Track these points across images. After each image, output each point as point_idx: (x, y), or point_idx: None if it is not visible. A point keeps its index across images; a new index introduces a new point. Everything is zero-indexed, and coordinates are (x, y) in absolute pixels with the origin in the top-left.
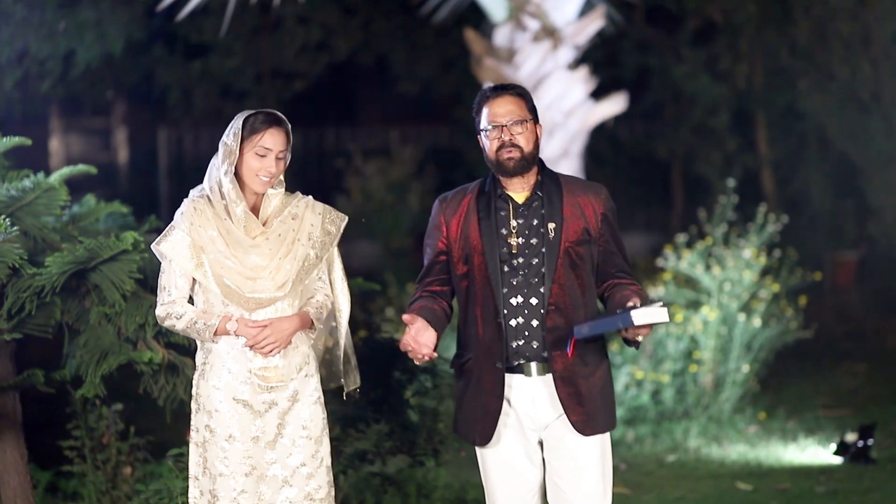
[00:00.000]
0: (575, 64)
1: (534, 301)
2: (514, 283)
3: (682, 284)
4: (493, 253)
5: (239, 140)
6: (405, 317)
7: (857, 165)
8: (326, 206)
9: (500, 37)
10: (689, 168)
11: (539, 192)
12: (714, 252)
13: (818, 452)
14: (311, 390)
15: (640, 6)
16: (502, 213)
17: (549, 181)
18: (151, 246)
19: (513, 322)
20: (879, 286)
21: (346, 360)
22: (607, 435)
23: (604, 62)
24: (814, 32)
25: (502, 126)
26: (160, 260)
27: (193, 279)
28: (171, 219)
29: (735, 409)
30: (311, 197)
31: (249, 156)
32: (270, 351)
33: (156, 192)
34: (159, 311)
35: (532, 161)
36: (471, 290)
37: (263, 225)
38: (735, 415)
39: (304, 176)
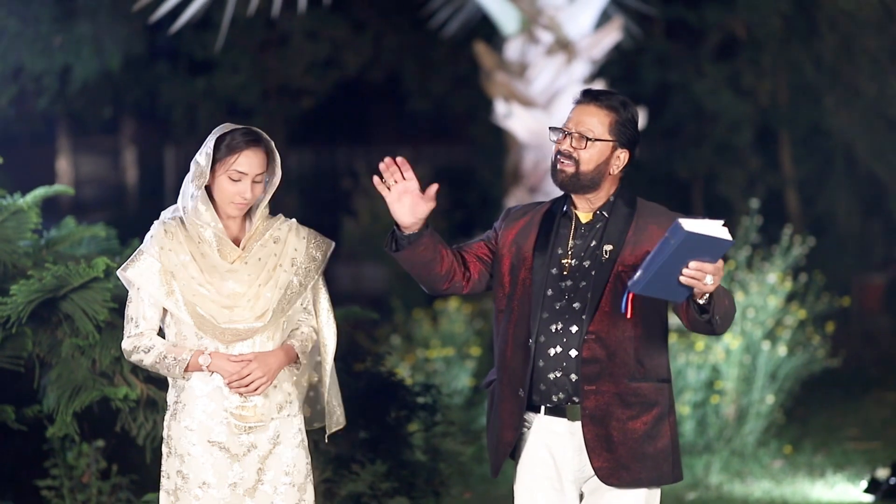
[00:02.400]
0: (591, 78)
1: (574, 329)
2: (557, 307)
3: None
4: (543, 271)
5: (211, 161)
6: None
7: (884, 185)
8: (312, 230)
9: (512, 50)
10: (711, 188)
11: (604, 213)
12: (737, 276)
13: (848, 490)
14: (295, 431)
15: (659, 20)
16: (562, 231)
17: (620, 203)
18: (118, 272)
19: (550, 351)
20: None
21: (331, 399)
22: (656, 492)
23: (622, 77)
24: (840, 47)
25: (567, 133)
26: (127, 288)
27: (164, 309)
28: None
29: (759, 443)
30: (294, 220)
31: (223, 179)
32: (255, 389)
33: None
34: (125, 345)
35: (590, 183)
36: (509, 306)
37: (242, 249)
38: (759, 448)
39: (314, 196)
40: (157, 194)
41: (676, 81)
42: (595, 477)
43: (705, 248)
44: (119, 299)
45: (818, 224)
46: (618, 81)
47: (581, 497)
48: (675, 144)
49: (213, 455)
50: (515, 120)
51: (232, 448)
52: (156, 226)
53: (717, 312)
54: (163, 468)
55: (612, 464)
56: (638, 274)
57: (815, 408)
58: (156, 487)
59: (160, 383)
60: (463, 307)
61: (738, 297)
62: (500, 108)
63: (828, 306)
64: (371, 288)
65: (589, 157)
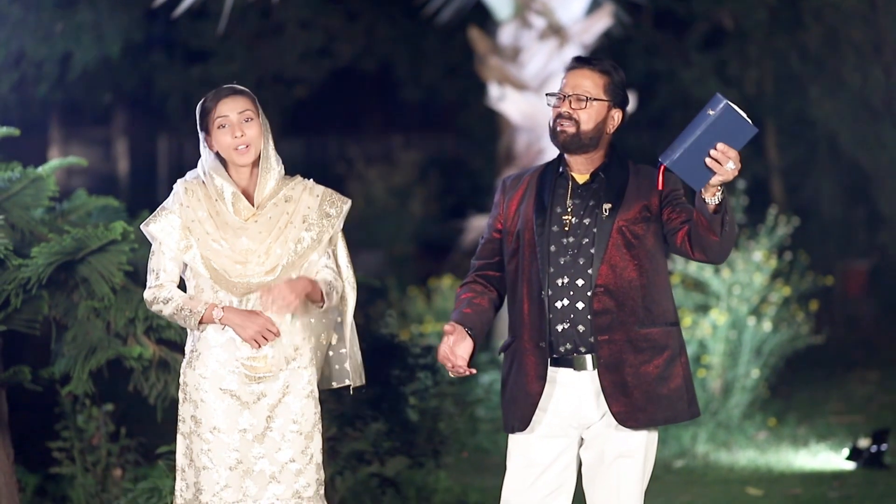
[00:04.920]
0: None
1: (580, 282)
2: (562, 262)
3: (690, 288)
4: (544, 229)
5: (202, 125)
6: (446, 327)
7: (868, 173)
8: (328, 189)
9: (506, 35)
10: None
11: (601, 174)
12: None
13: (830, 458)
14: (304, 383)
15: (647, 9)
16: (560, 192)
17: (615, 164)
18: (141, 226)
19: (558, 304)
20: (890, 295)
21: (352, 357)
22: (654, 433)
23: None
24: (825, 38)
25: (565, 96)
26: (150, 241)
27: (185, 263)
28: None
29: (744, 415)
30: (311, 180)
31: (217, 133)
32: (287, 305)
33: (156, 202)
34: (146, 295)
35: (590, 142)
36: (520, 266)
37: (257, 208)
38: (744, 420)
39: None
40: (150, 184)
41: (664, 70)
42: (595, 424)
43: (734, 130)
44: (134, 262)
45: (802, 211)
46: None
47: (581, 442)
48: (661, 131)
49: (225, 402)
50: (509, 103)
51: (242, 396)
52: (178, 184)
53: (728, 215)
54: (179, 413)
55: (628, 407)
56: (671, 147)
57: (798, 383)
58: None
59: (172, 345)
60: (455, 285)
61: (725, 274)
62: (494, 91)
63: (812, 285)
64: (365, 272)
65: (588, 117)
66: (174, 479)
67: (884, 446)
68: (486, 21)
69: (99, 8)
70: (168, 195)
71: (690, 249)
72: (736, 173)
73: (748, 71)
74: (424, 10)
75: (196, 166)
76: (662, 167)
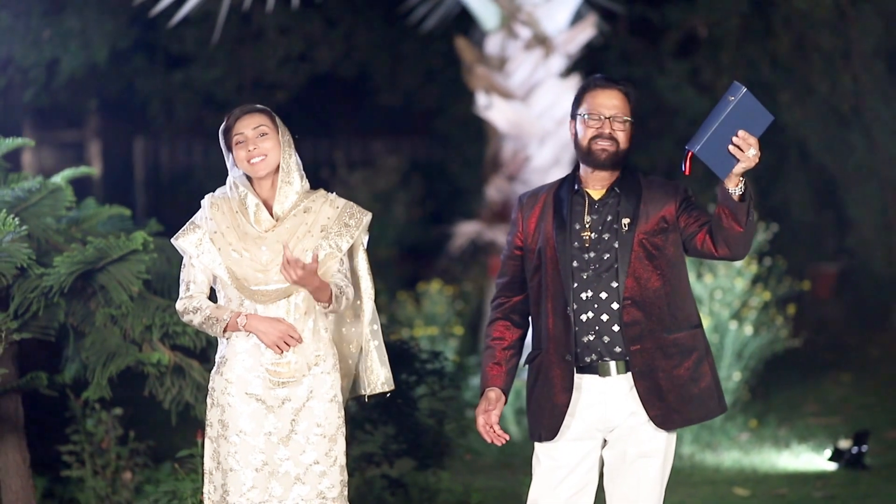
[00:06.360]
0: (566, 72)
1: (603, 295)
2: (585, 277)
3: None
4: (565, 246)
5: (226, 143)
6: (489, 394)
7: (836, 178)
8: (350, 202)
9: (492, 45)
10: (671, 179)
11: (616, 189)
12: (705, 260)
13: (812, 459)
14: (327, 388)
15: (623, 17)
16: (577, 209)
17: (628, 180)
18: (171, 240)
19: (583, 317)
20: (858, 298)
21: (372, 362)
22: (674, 434)
23: (590, 72)
24: (795, 46)
25: (605, 118)
26: (181, 255)
27: (214, 275)
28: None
29: (726, 417)
30: (334, 193)
31: (236, 150)
32: (292, 273)
33: (132, 205)
34: (178, 306)
35: (623, 160)
36: (543, 283)
37: (276, 220)
38: (727, 422)
39: None
40: (126, 187)
41: (640, 77)
42: (621, 426)
43: (752, 117)
44: (152, 272)
45: (773, 215)
46: (588, 76)
47: (604, 444)
48: (637, 137)
49: (251, 406)
50: (495, 111)
51: (267, 400)
52: (206, 199)
53: (753, 203)
54: (207, 417)
55: (664, 411)
56: (696, 135)
57: (775, 386)
58: (171, 451)
59: (187, 351)
60: (444, 289)
61: (707, 279)
62: (481, 99)
63: (789, 290)
64: None
65: (625, 137)
66: (192, 481)
67: (864, 447)
68: (470, 29)
69: (85, 15)
70: (145, 198)
71: (714, 247)
72: (757, 160)
73: (720, 78)
74: (409, 18)
75: (193, 170)
76: (690, 154)
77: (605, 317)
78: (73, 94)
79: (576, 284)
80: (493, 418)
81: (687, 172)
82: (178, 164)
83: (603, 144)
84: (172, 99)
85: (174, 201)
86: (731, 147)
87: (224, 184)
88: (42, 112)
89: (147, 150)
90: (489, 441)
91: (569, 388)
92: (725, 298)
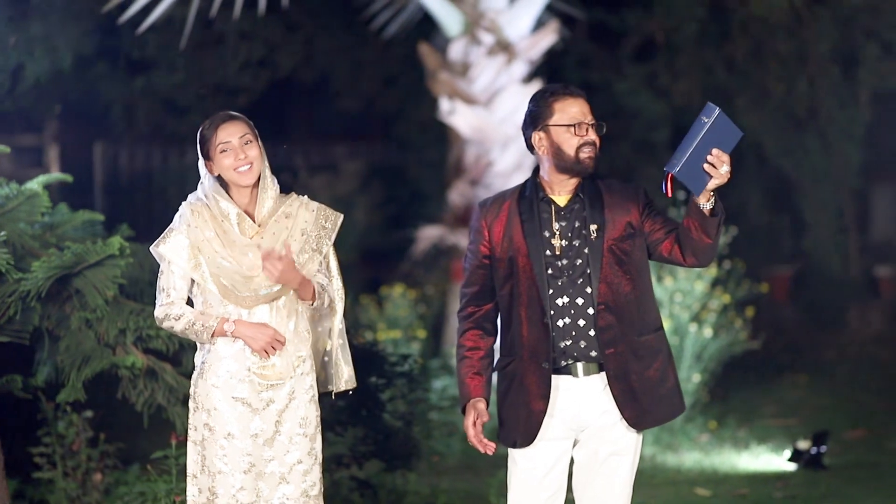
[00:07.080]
0: (528, 78)
1: (580, 301)
2: (560, 283)
3: None
4: (538, 254)
5: (203, 151)
6: (477, 405)
7: (792, 181)
8: (322, 204)
9: (455, 51)
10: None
11: (580, 195)
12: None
13: (772, 459)
14: (307, 388)
15: (582, 22)
16: (545, 216)
17: (589, 185)
18: (150, 248)
19: (560, 322)
20: (812, 301)
21: (339, 359)
22: (641, 434)
23: (549, 77)
24: (751, 50)
25: (588, 125)
26: (159, 262)
27: (192, 280)
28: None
29: (686, 418)
30: (306, 196)
31: (218, 158)
32: (273, 270)
33: (92, 209)
34: (158, 313)
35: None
36: (515, 291)
37: (259, 226)
38: (687, 423)
39: None
40: (85, 191)
41: (598, 81)
42: (592, 426)
43: (725, 136)
44: (127, 276)
45: (730, 218)
46: (547, 82)
47: (574, 444)
48: None
49: (237, 409)
50: (458, 116)
51: (253, 403)
52: (183, 206)
53: (722, 215)
54: (190, 422)
55: (637, 412)
56: (674, 156)
57: (733, 387)
58: (140, 453)
59: (159, 354)
60: (407, 293)
61: (667, 282)
62: (444, 105)
63: (748, 292)
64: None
65: (598, 143)
66: (168, 482)
67: (823, 448)
68: (432, 35)
69: (50, 21)
70: (104, 202)
71: (682, 256)
72: (729, 176)
73: (677, 83)
74: (371, 24)
75: (152, 175)
76: (670, 175)
77: (581, 322)
78: (36, 99)
79: (551, 291)
80: (476, 432)
81: (668, 194)
82: (137, 169)
83: (590, 152)
84: (134, 104)
85: (132, 205)
86: (705, 165)
87: (186, 189)
88: (1, 116)
89: (106, 155)
90: (482, 451)
91: (546, 396)
92: (685, 301)
